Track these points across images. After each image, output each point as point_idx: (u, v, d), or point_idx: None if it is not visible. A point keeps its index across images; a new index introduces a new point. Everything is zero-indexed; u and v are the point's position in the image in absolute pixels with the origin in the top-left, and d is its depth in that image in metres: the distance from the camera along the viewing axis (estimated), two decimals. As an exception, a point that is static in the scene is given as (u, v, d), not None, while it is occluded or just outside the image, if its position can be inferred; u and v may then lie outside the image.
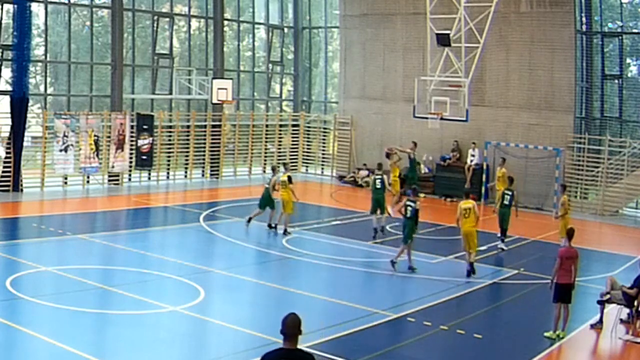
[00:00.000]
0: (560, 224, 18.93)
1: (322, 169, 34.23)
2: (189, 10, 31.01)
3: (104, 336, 12.00)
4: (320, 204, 26.11)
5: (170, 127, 29.39)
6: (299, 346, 6.42)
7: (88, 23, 28.04)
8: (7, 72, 24.80)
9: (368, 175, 31.13)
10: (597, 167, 26.49)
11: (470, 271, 16.67)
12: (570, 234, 12.71)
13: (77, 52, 28.26)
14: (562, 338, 12.53)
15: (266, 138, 32.97)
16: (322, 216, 23.52)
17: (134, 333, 11.90)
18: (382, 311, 13.51)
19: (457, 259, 18.37)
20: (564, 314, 12.58)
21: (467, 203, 17.16)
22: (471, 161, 28.40)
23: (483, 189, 27.78)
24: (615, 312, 13.39)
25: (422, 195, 29.25)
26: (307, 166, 34.56)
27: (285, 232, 19.79)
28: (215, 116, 30.62)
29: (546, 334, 12.55)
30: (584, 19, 27.68)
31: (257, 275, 16.14)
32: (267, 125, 33.09)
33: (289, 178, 20.01)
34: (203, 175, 30.64)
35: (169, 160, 29.64)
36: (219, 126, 30.67)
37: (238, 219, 21.83)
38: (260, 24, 34.08)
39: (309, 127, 34.58)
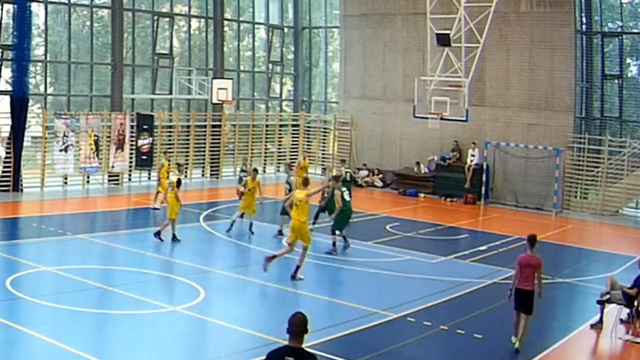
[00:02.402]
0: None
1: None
2: (189, 10, 31.01)
3: (104, 336, 11.99)
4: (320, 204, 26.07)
5: (170, 127, 29.39)
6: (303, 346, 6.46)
7: (88, 23, 28.04)
8: (7, 72, 24.81)
9: (368, 175, 31.19)
10: (597, 167, 26.49)
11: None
12: (531, 240, 11.91)
13: (77, 52, 28.26)
14: (518, 351, 11.80)
15: (266, 138, 32.97)
16: (322, 216, 23.50)
17: (134, 333, 11.89)
18: (382, 311, 13.50)
19: (457, 259, 18.39)
20: (521, 323, 11.83)
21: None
22: (471, 161, 28.42)
23: (483, 189, 27.81)
24: (615, 312, 13.39)
25: (422, 195, 29.31)
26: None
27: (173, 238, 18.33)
28: (215, 116, 30.62)
29: (512, 340, 12.00)
30: (584, 19, 27.68)
31: (257, 275, 16.13)
32: (267, 125, 33.10)
33: (179, 181, 18.64)
34: (203, 175, 30.65)
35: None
36: (219, 126, 30.67)
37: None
38: (260, 24, 34.08)
39: (309, 127, 34.58)
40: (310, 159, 27.04)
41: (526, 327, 11.87)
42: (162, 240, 18.17)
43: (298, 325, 6.42)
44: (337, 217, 18.44)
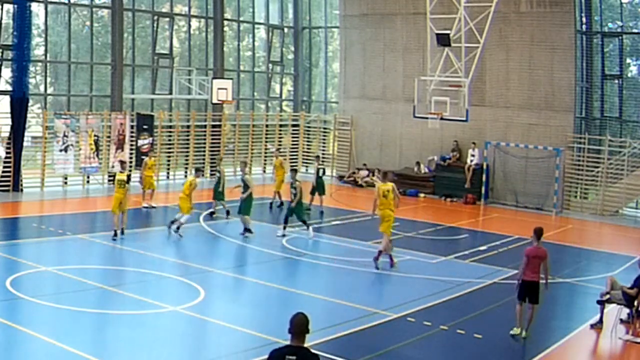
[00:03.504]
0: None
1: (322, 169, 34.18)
2: (189, 10, 31.01)
3: (104, 336, 11.99)
4: (320, 204, 26.09)
5: (170, 127, 29.39)
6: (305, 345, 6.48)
7: (88, 23, 28.04)
8: (7, 72, 24.81)
9: (368, 176, 31.17)
10: (597, 167, 26.49)
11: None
12: (538, 233, 12.62)
13: (77, 52, 28.26)
14: (525, 338, 12.37)
15: (266, 138, 32.96)
16: (322, 216, 23.52)
17: (134, 333, 11.90)
18: (382, 311, 13.51)
19: (457, 259, 18.39)
20: (528, 313, 12.41)
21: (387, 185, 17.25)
22: (471, 161, 28.42)
23: (483, 189, 27.80)
24: (615, 312, 13.39)
25: (422, 195, 29.31)
26: (307, 166, 34.54)
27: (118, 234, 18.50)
28: (215, 116, 30.62)
29: (511, 332, 12.50)
30: (584, 19, 27.68)
31: (257, 275, 16.14)
32: (267, 125, 33.10)
33: (128, 177, 19.23)
34: (203, 175, 30.59)
35: (169, 160, 29.64)
36: (219, 126, 30.67)
37: (238, 218, 21.83)
38: (260, 24, 34.08)
39: (309, 127, 34.58)
40: (282, 156, 27.57)
41: (533, 316, 12.43)
42: (118, 236, 18.31)
43: (299, 326, 6.50)
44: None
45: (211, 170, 23.36)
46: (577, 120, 27.36)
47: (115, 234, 18.42)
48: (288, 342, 6.53)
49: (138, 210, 23.12)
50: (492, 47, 26.93)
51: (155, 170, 24.89)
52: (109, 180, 27.08)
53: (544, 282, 12.45)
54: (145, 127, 27.59)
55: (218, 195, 22.20)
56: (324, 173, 24.87)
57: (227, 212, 21.92)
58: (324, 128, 34.39)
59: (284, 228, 19.78)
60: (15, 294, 13.20)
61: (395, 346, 11.89)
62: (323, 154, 34.23)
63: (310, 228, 19.93)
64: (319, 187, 24.14)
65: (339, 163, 33.14)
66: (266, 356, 6.56)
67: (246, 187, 19.84)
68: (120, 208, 18.61)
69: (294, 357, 6.40)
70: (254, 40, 34.18)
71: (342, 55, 33.09)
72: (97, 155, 26.30)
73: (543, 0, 27.02)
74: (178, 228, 18.84)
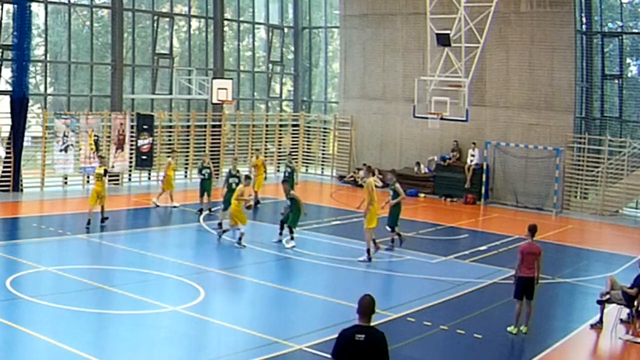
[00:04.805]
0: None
1: (322, 169, 34.25)
2: (189, 10, 31.02)
3: (104, 336, 11.99)
4: (320, 204, 26.11)
5: (170, 127, 29.39)
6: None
7: (88, 23, 28.05)
8: (7, 72, 24.81)
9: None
10: (597, 167, 26.49)
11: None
12: (532, 230, 12.82)
13: (77, 52, 28.27)
14: (525, 333, 12.61)
15: (266, 138, 32.97)
16: (322, 216, 23.51)
17: (134, 333, 11.90)
18: (382, 311, 13.47)
19: (457, 259, 18.39)
20: (526, 309, 12.67)
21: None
22: (471, 161, 28.42)
23: (483, 189, 27.81)
24: (615, 312, 13.39)
25: (422, 195, 29.31)
26: (307, 166, 34.58)
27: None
28: (215, 116, 30.62)
29: (509, 329, 12.70)
30: (584, 19, 27.69)
31: (257, 275, 16.14)
32: (267, 125, 33.10)
33: (105, 171, 20.27)
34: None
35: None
36: (219, 126, 30.67)
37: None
38: (260, 24, 34.09)
39: (309, 127, 34.59)
40: (264, 156, 27.54)
41: (531, 311, 12.69)
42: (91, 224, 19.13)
43: (367, 307, 6.98)
44: (392, 212, 19.00)
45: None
46: (577, 120, 27.36)
47: (89, 223, 19.28)
48: (357, 322, 6.98)
49: (140, 210, 23.14)
50: (492, 47, 26.94)
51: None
52: (109, 180, 27.05)
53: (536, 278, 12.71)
54: (145, 127, 27.59)
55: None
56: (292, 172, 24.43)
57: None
58: (324, 128, 34.40)
59: (280, 234, 19.10)
60: (15, 294, 13.20)
61: (395, 346, 11.85)
62: (323, 154, 34.26)
63: (287, 235, 18.87)
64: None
65: (339, 163, 33.14)
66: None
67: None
68: (99, 202, 19.62)
69: (363, 336, 6.84)
70: (254, 40, 34.18)
71: (342, 55, 33.09)
72: (97, 155, 26.28)
73: (543, 0, 27.02)
74: (240, 239, 18.31)
